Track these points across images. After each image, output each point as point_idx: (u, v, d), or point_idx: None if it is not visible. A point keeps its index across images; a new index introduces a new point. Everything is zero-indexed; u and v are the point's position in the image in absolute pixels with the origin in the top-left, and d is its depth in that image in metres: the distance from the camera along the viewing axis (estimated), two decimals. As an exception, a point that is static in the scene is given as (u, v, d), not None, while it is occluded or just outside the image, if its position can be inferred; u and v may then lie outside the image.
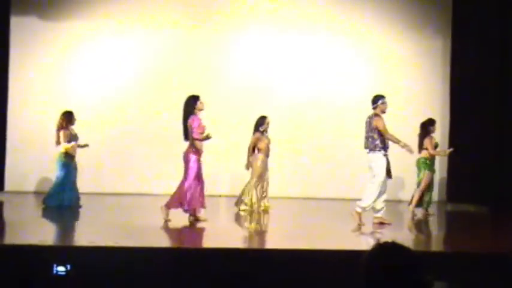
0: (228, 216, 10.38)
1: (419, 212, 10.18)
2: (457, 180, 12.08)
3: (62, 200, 9.74)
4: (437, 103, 12.66)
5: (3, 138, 12.18)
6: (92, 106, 12.20)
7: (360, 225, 8.48)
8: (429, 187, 10.39)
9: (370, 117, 8.70)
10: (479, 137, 11.72)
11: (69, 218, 9.33)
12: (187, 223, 8.46)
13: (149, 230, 8.02)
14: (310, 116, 12.68)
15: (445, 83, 12.67)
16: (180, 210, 8.57)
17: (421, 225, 9.76)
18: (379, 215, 8.68)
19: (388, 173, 8.60)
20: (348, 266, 3.31)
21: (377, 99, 8.71)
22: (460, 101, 12.24)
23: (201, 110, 8.61)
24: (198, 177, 8.58)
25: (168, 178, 11.69)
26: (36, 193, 11.91)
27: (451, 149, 10.71)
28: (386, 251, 2.49)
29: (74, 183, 9.90)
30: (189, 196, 8.47)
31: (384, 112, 8.68)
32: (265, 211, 10.07)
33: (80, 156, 10.12)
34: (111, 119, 12.45)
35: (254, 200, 10.06)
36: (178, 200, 8.52)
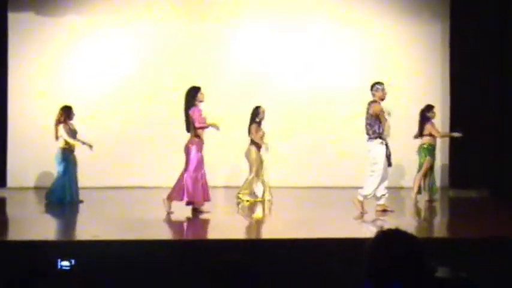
0: (229, 207, 10.38)
1: (422, 198, 10.17)
2: (458, 166, 12.07)
3: (64, 195, 9.74)
4: (437, 88, 12.63)
5: (4, 135, 12.17)
6: (92, 101, 12.18)
7: (362, 213, 8.49)
8: (429, 173, 10.38)
9: (369, 104, 8.70)
10: (480, 121, 11.70)
11: (71, 213, 9.34)
12: (189, 215, 8.46)
13: (152, 223, 8.03)
14: (308, 106, 12.65)
15: (445, 68, 12.63)
16: (182, 202, 8.57)
17: (423, 212, 9.76)
18: (381, 202, 8.70)
19: (388, 161, 8.60)
20: (352, 254, 3.31)
21: (374, 86, 8.72)
22: (460, 86, 12.20)
23: (202, 101, 8.60)
24: (199, 169, 8.56)
25: (169, 171, 11.68)
26: (38, 189, 11.90)
27: (459, 133, 10.66)
28: (389, 238, 2.49)
29: (74, 177, 9.90)
30: (190, 188, 8.47)
31: (382, 99, 8.66)
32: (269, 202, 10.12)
33: (80, 151, 10.10)
34: (111, 114, 12.43)
35: (261, 191, 10.10)
36: (178, 192, 8.52)
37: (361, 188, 8.67)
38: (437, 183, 10.84)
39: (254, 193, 10.14)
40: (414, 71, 12.70)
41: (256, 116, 10.22)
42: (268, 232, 8.11)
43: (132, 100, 12.53)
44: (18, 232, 7.72)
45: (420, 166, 10.36)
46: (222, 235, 7.28)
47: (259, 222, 8.87)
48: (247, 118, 10.36)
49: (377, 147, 8.56)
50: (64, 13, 12.48)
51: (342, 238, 6.60)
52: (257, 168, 10.17)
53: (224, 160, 12.11)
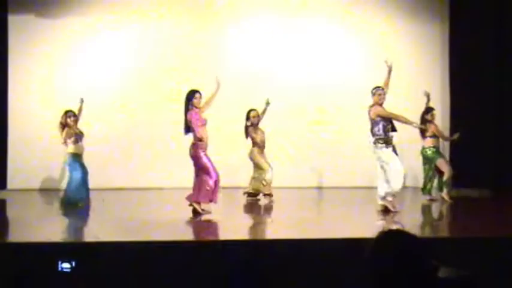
0: (230, 208, 10.38)
1: (443, 195, 10.15)
2: (459, 166, 12.05)
3: (78, 199, 9.73)
4: (437, 89, 12.62)
5: (4, 136, 12.18)
6: (93, 103, 12.12)
7: (393, 213, 8.47)
8: (435, 173, 10.36)
9: (369, 109, 8.74)
10: (481, 121, 11.70)
11: (73, 215, 9.32)
12: (193, 216, 8.43)
13: (154, 224, 8.02)
14: (309, 106, 12.65)
15: (444, 68, 12.64)
16: (187, 202, 8.58)
17: (425, 212, 9.75)
18: (384, 201, 8.68)
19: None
20: (354, 254, 3.30)
21: (372, 90, 8.74)
22: (460, 86, 12.20)
23: (197, 106, 8.56)
24: (215, 169, 8.58)
25: (172, 172, 11.73)
26: (38, 190, 11.91)
27: (457, 135, 10.68)
28: (391, 238, 2.49)
29: (85, 181, 9.88)
30: (216, 190, 8.51)
31: (379, 103, 8.66)
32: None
33: (85, 153, 10.08)
34: (114, 114, 12.44)
35: (268, 187, 10.12)
36: (204, 195, 8.52)
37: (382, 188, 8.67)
38: (434, 183, 10.81)
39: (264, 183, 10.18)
40: (413, 71, 12.69)
41: (246, 119, 10.30)
42: (271, 232, 8.10)
43: (134, 102, 12.53)
44: (18, 234, 7.70)
45: (426, 169, 10.36)
46: (225, 236, 7.27)
47: (261, 223, 8.86)
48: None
49: (379, 150, 8.57)
50: (64, 15, 12.49)
51: (344, 238, 6.58)
52: (261, 165, 10.25)
53: (224, 161, 12.10)
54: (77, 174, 9.79)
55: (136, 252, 6.04)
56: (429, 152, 10.29)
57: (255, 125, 10.40)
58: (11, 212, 10.42)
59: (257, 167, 10.38)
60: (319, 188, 12.28)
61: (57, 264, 4.90)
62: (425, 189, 10.44)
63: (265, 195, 10.27)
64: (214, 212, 8.52)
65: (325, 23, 12.81)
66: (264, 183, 10.19)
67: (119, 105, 12.49)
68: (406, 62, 12.70)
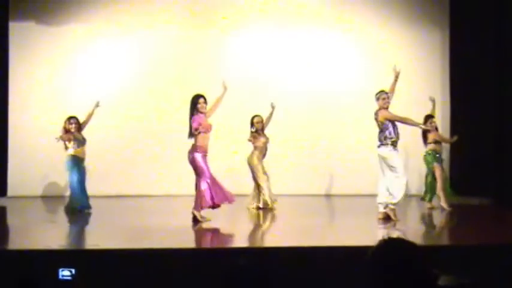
0: (231, 215, 10.37)
1: (441, 204, 10.13)
2: (459, 173, 12.06)
3: (78, 203, 9.73)
4: (437, 96, 12.60)
5: (4, 143, 12.18)
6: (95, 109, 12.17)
7: (395, 222, 8.46)
8: (435, 179, 10.36)
9: (375, 114, 8.75)
10: (481, 128, 11.71)
11: (74, 222, 9.31)
12: (193, 224, 8.42)
13: (154, 231, 8.02)
14: (310, 112, 12.65)
15: (445, 75, 12.65)
16: (190, 210, 8.57)
17: (425, 219, 9.74)
18: (386, 210, 8.66)
19: None
20: (354, 262, 3.30)
21: (376, 95, 8.76)
22: (460, 93, 12.22)
23: (201, 111, 8.57)
24: (210, 173, 8.56)
25: (174, 179, 11.72)
26: (39, 197, 11.91)
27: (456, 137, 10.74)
28: (391, 246, 2.49)
29: (82, 185, 9.88)
30: (213, 192, 8.47)
31: (384, 107, 8.69)
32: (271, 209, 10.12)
33: (87, 159, 10.10)
34: (114, 122, 12.43)
35: (267, 197, 10.10)
36: (201, 200, 8.51)
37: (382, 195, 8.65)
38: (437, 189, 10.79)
39: (265, 200, 10.14)
40: (414, 78, 12.69)
41: (251, 125, 10.29)
42: (273, 240, 8.09)
43: (135, 109, 12.54)
44: (18, 241, 7.69)
45: (426, 177, 10.37)
46: (226, 243, 7.26)
47: (263, 231, 8.85)
48: (248, 123, 10.40)
49: (389, 153, 8.57)
50: (64, 22, 12.51)
51: (344, 246, 6.58)
52: (261, 171, 10.20)
53: (226, 167, 12.11)
54: (73, 177, 9.79)
55: (137, 260, 6.04)
56: (428, 157, 10.30)
57: (259, 131, 10.34)
58: (11, 219, 10.41)
59: (254, 179, 10.30)
60: (321, 195, 12.25)
61: (58, 272, 4.89)
62: (425, 198, 10.45)
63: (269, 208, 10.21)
64: (216, 219, 8.51)
65: (325, 31, 12.82)
66: (267, 200, 10.13)
67: (120, 113, 12.49)
68: (406, 69, 12.59)
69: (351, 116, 12.43)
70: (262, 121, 10.38)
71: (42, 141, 11.75)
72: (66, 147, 9.89)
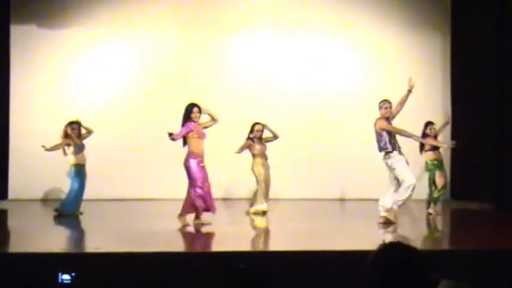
0: (229, 219, 10.38)
1: (429, 209, 10.11)
2: (460, 178, 12.07)
3: (75, 209, 9.73)
4: (437, 100, 12.65)
5: (5, 147, 12.19)
6: (95, 112, 12.17)
7: (394, 224, 8.47)
8: (435, 185, 10.33)
9: (374, 122, 8.78)
10: (482, 133, 11.72)
11: (73, 225, 9.31)
12: (192, 228, 8.43)
13: (154, 235, 8.01)
14: (310, 115, 12.65)
15: (446, 80, 12.67)
16: (190, 215, 8.57)
17: (426, 224, 9.73)
18: (386, 213, 8.66)
19: None
20: (354, 266, 3.30)
21: (379, 103, 8.79)
22: (461, 98, 12.24)
23: (194, 120, 8.59)
24: (203, 181, 8.57)
25: (172, 183, 11.70)
26: (40, 201, 11.91)
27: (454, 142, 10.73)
28: (391, 250, 2.49)
29: (82, 192, 9.88)
30: (200, 202, 8.48)
31: (386, 117, 8.70)
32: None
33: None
34: (115, 125, 12.44)
35: (265, 204, 10.09)
36: (189, 207, 8.54)
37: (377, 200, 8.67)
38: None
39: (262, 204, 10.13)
40: (415, 83, 12.67)
41: (250, 132, 10.25)
42: (271, 244, 8.09)
43: (135, 112, 12.54)
44: (18, 244, 7.70)
45: (429, 183, 10.36)
46: (225, 247, 7.25)
47: (262, 235, 8.85)
48: (248, 128, 10.38)
49: (389, 161, 8.60)
50: (66, 26, 12.53)
51: (344, 250, 6.58)
52: (264, 179, 10.17)
53: (224, 172, 12.12)
54: (75, 185, 9.81)
55: (137, 263, 6.04)
56: (430, 165, 10.28)
57: (257, 139, 10.29)
58: (12, 222, 10.42)
59: (256, 181, 10.28)
60: (322, 199, 12.24)
61: (58, 275, 4.89)
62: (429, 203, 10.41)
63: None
64: (217, 223, 8.52)
65: (326, 37, 12.83)
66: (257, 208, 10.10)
67: (119, 116, 12.49)
68: (406, 74, 12.61)
69: (352, 120, 12.42)
70: (262, 130, 10.31)
71: (43, 145, 11.73)
72: (65, 153, 9.88)
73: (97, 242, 7.44)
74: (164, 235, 8.05)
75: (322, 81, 12.74)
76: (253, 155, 10.26)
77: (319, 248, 6.90)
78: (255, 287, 2.57)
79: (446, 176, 10.55)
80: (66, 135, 9.90)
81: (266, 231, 9.16)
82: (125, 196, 12.04)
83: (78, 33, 12.55)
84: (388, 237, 7.71)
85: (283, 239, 8.07)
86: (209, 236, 8.24)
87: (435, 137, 10.32)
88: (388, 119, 8.75)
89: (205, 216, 8.67)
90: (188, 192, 8.58)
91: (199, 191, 8.50)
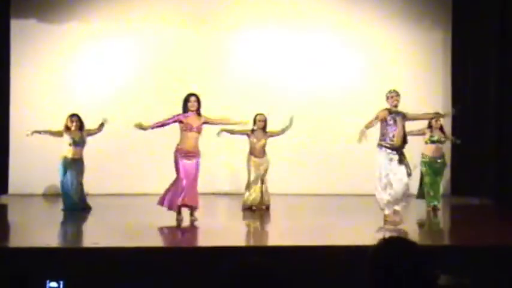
0: (229, 214, 10.38)
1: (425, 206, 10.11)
2: (460, 174, 12.07)
3: (70, 203, 9.71)
4: (438, 95, 12.63)
5: (6, 141, 12.18)
6: (94, 107, 12.12)
7: (397, 222, 8.45)
8: (435, 182, 10.31)
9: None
10: (482, 128, 11.72)
11: (73, 220, 9.30)
12: (187, 222, 8.43)
13: (153, 230, 8.02)
14: (311, 112, 12.62)
15: (446, 74, 12.65)
16: (184, 210, 8.55)
17: (426, 219, 9.73)
18: (389, 211, 8.63)
19: (407, 171, 8.52)
20: (354, 262, 3.30)
21: (386, 94, 8.72)
22: (462, 93, 12.23)
23: (191, 109, 8.52)
24: (186, 175, 8.45)
25: (171, 178, 11.70)
26: (40, 196, 11.91)
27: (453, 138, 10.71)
28: (391, 245, 2.48)
29: (74, 186, 9.84)
30: (182, 194, 8.41)
31: (395, 106, 8.62)
32: (266, 208, 10.03)
33: (84, 158, 10.09)
34: (114, 120, 12.38)
35: (253, 197, 10.01)
36: (162, 197, 8.52)
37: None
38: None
39: (254, 199, 10.05)
40: (416, 78, 12.69)
41: (253, 123, 10.18)
42: (270, 239, 8.09)
43: (135, 107, 12.50)
44: (19, 239, 7.70)
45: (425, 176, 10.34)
46: (222, 242, 7.25)
47: (262, 230, 8.85)
48: (250, 124, 10.34)
49: (376, 154, 8.58)
50: (66, 21, 12.50)
51: (343, 246, 6.58)
52: (253, 174, 10.10)
53: (226, 166, 12.12)
54: (61, 179, 9.78)
55: (136, 258, 6.04)
56: (426, 160, 10.24)
57: (260, 129, 10.21)
58: (12, 217, 10.42)
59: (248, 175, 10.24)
60: (321, 195, 12.22)
61: (53, 272, 4.82)
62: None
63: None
64: (215, 218, 8.52)
65: (327, 32, 12.79)
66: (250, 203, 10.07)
67: (119, 111, 12.46)
68: (407, 68, 12.71)
69: (351, 115, 12.36)
70: (264, 120, 10.25)
71: (43, 140, 11.70)
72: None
73: (96, 237, 7.44)
74: (163, 230, 8.06)
75: (322, 75, 12.70)
76: (249, 149, 10.18)
77: (319, 243, 6.90)
78: (255, 283, 2.56)
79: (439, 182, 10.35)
80: (67, 128, 9.90)
81: (265, 227, 9.15)
82: (123, 191, 12.00)
83: (79, 28, 12.52)
84: (388, 233, 7.70)
85: (282, 234, 8.07)
86: (205, 231, 8.23)
87: (441, 129, 10.27)
88: (388, 109, 8.63)
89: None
90: (170, 185, 8.53)
91: (179, 184, 8.39)
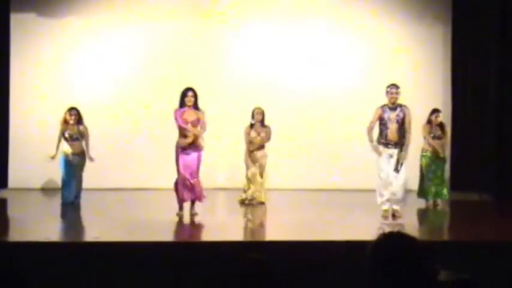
0: (227, 209, 10.38)
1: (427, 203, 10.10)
2: (459, 169, 12.06)
3: (67, 197, 9.72)
4: (438, 91, 12.60)
5: (5, 136, 12.18)
6: (94, 102, 12.14)
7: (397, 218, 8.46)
8: (436, 177, 10.29)
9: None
10: (482, 124, 11.71)
11: (73, 214, 9.31)
12: (187, 217, 8.44)
13: (150, 224, 8.03)
14: (310, 108, 12.59)
15: (447, 70, 12.62)
16: (187, 204, 8.57)
17: (425, 215, 9.73)
18: (388, 207, 8.65)
19: (395, 166, 8.52)
20: (354, 257, 3.29)
21: (386, 88, 8.72)
22: (462, 89, 12.21)
23: (188, 104, 8.53)
24: (186, 169, 8.47)
25: (173, 173, 11.70)
26: (40, 190, 11.91)
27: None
28: (391, 240, 2.48)
29: (72, 180, 9.83)
30: (179, 188, 8.44)
31: (392, 102, 8.62)
32: (262, 203, 10.00)
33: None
34: (113, 114, 12.41)
35: (250, 191, 10.00)
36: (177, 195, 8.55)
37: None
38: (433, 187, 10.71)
39: (251, 194, 10.04)
40: (416, 74, 12.66)
41: (252, 117, 10.16)
42: (269, 234, 8.09)
43: (135, 101, 12.51)
44: (19, 233, 7.70)
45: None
46: (221, 237, 7.25)
47: (262, 225, 8.85)
48: (248, 120, 10.33)
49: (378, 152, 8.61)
50: (66, 14, 12.48)
51: (343, 241, 6.58)
52: (251, 169, 10.09)
53: (225, 162, 12.10)
54: (62, 174, 9.80)
55: (136, 252, 6.04)
56: (423, 154, 10.24)
57: (257, 123, 10.19)
58: (11, 212, 10.43)
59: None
60: (322, 190, 12.21)
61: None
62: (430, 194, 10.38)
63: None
64: (215, 212, 8.52)
65: (327, 28, 12.75)
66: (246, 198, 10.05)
67: (119, 106, 12.47)
68: (407, 64, 12.68)
69: (351, 112, 12.36)
70: (262, 113, 10.20)
71: (43, 134, 11.72)
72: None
73: (96, 231, 7.45)
74: (163, 225, 8.07)
75: (322, 73, 12.67)
76: (248, 144, 10.15)
77: (318, 238, 6.91)
78: (254, 277, 2.56)
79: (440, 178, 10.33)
80: (66, 122, 9.90)
81: (265, 222, 9.16)
82: (124, 185, 12.00)
83: (79, 21, 12.50)
84: (388, 228, 7.70)
85: (280, 230, 8.07)
86: (206, 226, 8.24)
87: (441, 125, 10.26)
88: (385, 105, 8.62)
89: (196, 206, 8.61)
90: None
91: (181, 177, 8.42)
